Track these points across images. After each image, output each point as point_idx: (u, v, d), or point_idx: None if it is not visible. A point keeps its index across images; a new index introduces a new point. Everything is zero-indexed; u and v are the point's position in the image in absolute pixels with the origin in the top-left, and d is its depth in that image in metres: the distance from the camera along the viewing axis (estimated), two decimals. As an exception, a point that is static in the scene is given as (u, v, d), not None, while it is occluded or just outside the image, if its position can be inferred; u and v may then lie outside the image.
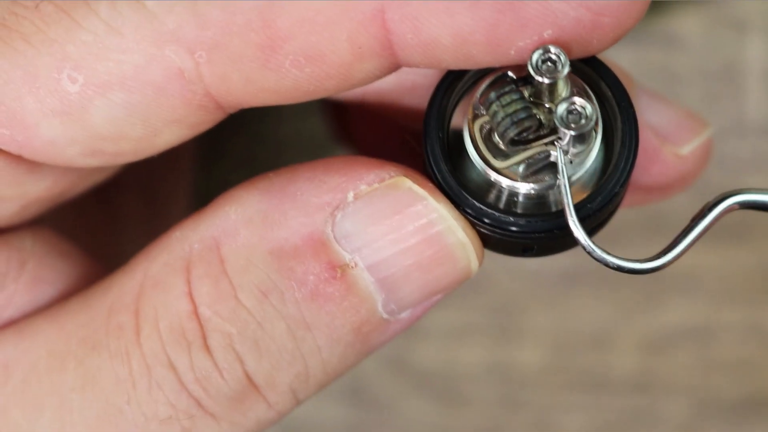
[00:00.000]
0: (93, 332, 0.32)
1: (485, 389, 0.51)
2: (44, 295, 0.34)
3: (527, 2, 0.29)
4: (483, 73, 0.31)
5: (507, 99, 0.30)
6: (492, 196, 0.31)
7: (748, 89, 0.49)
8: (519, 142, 0.30)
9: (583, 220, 0.30)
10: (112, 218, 0.42)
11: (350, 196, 0.30)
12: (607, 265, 0.30)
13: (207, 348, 0.31)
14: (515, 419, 0.51)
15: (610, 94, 0.31)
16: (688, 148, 0.37)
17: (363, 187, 0.30)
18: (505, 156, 0.31)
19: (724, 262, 0.50)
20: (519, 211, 0.31)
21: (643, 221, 0.50)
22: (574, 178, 0.31)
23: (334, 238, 0.30)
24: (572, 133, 0.29)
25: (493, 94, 0.30)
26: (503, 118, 0.30)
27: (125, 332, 0.31)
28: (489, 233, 0.31)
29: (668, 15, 0.49)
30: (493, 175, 0.31)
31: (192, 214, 0.32)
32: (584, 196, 0.31)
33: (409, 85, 0.36)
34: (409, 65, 0.30)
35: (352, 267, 0.31)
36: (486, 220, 0.30)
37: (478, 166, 0.31)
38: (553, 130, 0.30)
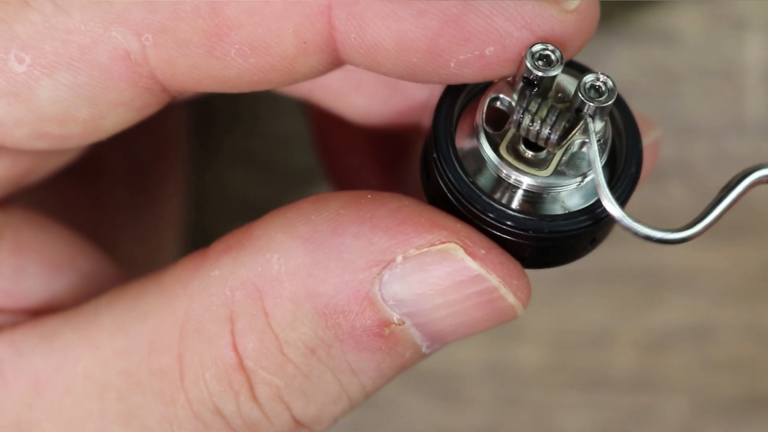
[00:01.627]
0: (135, 368, 0.32)
1: (485, 388, 0.51)
2: (30, 262, 0.34)
3: (473, 18, 0.29)
4: (471, 96, 0.32)
5: (533, 106, 0.30)
6: (538, 208, 0.31)
7: (747, 88, 0.49)
8: (563, 137, 0.30)
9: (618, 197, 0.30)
10: (98, 208, 0.42)
11: (399, 258, 0.30)
12: (636, 234, 0.30)
13: (255, 398, 0.31)
14: (515, 418, 0.51)
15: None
16: None
17: (412, 251, 0.30)
18: (537, 165, 0.31)
19: (723, 261, 0.50)
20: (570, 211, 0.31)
21: (643, 219, 0.50)
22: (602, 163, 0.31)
23: (382, 298, 0.30)
24: (599, 105, 0.30)
25: (518, 108, 0.30)
26: (542, 123, 0.30)
27: (168, 376, 0.32)
28: (565, 245, 0.31)
29: (667, 13, 0.49)
30: (546, 184, 0.31)
31: (227, 248, 0.32)
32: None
33: (397, 111, 0.36)
34: (351, 64, 0.30)
35: (400, 325, 0.31)
36: (573, 231, 0.31)
37: (526, 185, 0.31)
38: (576, 120, 0.30)
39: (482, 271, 0.30)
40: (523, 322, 0.50)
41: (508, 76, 0.30)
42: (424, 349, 0.32)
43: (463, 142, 0.31)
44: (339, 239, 0.30)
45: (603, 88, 0.30)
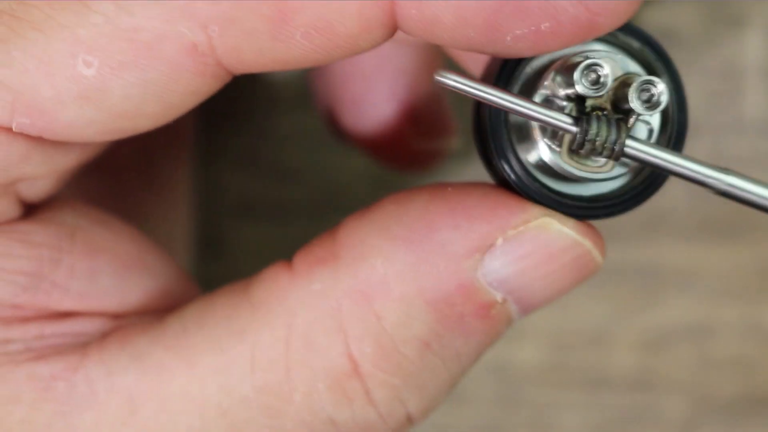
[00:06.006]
0: (236, 384, 0.32)
1: (484, 387, 0.51)
2: (102, 263, 0.34)
3: None
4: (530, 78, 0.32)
5: (593, 127, 0.31)
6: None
7: (747, 87, 0.49)
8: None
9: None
10: (119, 203, 0.42)
11: (499, 241, 0.31)
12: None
13: (371, 402, 0.32)
14: (514, 417, 0.51)
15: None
16: None
17: (510, 232, 0.31)
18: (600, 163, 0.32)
19: (722, 260, 0.50)
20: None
21: (641, 219, 0.50)
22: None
23: (486, 281, 0.32)
24: (652, 113, 0.31)
25: (579, 130, 0.31)
26: (606, 140, 0.31)
27: (276, 390, 0.32)
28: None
29: (666, 11, 0.49)
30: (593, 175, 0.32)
31: (320, 261, 0.32)
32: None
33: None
34: (409, 35, 0.30)
35: (503, 304, 0.32)
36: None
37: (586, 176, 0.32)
38: (629, 111, 0.31)
39: (577, 238, 0.32)
40: (523, 322, 0.50)
41: (558, 57, 0.31)
42: (516, 320, 0.33)
43: (521, 146, 0.32)
44: (438, 234, 0.31)
45: (656, 96, 0.31)
